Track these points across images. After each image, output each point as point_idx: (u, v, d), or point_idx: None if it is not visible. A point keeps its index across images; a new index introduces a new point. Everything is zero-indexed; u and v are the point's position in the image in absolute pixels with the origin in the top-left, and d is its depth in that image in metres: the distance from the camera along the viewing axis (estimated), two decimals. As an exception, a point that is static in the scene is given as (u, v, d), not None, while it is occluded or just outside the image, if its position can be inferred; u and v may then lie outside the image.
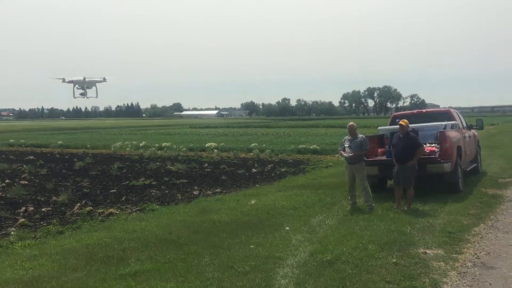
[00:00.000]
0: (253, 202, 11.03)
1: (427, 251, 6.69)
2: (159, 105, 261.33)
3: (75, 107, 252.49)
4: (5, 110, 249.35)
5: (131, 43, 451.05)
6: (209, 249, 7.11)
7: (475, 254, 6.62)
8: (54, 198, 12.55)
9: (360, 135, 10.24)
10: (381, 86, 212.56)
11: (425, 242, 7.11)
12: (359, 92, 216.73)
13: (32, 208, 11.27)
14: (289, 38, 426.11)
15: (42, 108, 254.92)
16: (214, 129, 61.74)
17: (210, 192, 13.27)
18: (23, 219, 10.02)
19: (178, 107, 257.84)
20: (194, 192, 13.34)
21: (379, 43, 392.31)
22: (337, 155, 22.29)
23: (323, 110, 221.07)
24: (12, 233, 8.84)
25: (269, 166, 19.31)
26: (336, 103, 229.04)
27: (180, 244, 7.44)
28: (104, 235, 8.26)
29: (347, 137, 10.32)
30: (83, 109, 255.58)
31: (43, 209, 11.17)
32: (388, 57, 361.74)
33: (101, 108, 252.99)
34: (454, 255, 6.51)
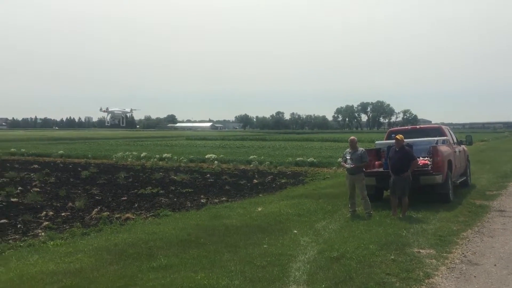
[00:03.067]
0: (260, 209, 11.91)
1: (420, 250, 7.64)
2: (153, 116, 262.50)
3: (68, 117, 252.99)
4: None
5: (124, 53, 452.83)
6: (227, 248, 7.97)
7: (463, 253, 7.58)
8: (70, 204, 13.34)
9: (360, 149, 11.22)
10: (374, 101, 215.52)
11: (419, 244, 8.06)
12: (352, 106, 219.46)
13: (52, 213, 12.05)
14: (283, 50, 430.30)
15: (35, 118, 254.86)
16: (210, 141, 62.62)
17: (217, 200, 14.11)
18: (47, 222, 10.81)
19: (172, 118, 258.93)
20: (202, 200, 14.17)
21: (373, 58, 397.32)
22: (334, 167, 23.28)
23: (317, 124, 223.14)
24: (41, 234, 9.64)
25: (269, 177, 20.19)
26: (329, 117, 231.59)
27: (200, 244, 8.29)
28: (128, 236, 9.08)
29: (348, 149, 11.28)
30: (76, 119, 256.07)
31: (63, 214, 11.95)
32: (381, 72, 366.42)
33: (95, 119, 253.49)
34: (444, 254, 7.47)
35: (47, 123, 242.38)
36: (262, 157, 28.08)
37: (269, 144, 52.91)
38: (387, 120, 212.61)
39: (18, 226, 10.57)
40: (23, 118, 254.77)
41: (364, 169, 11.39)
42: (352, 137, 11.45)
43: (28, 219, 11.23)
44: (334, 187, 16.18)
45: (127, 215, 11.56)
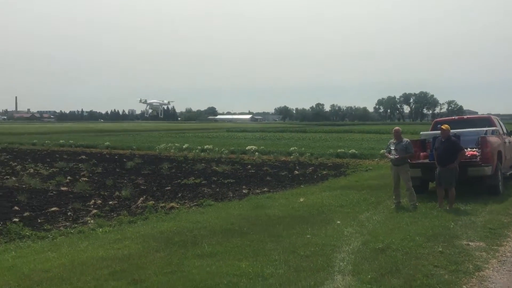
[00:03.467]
0: (301, 200, 11.88)
1: (469, 243, 7.42)
2: (194, 108, 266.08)
3: (113, 110, 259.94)
4: (46, 112, 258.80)
5: (165, 46, 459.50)
6: (270, 237, 8.00)
7: (514, 247, 7.29)
8: (117, 193, 13.73)
9: (405, 139, 10.99)
10: (417, 92, 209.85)
11: (468, 236, 7.83)
12: (394, 98, 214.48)
13: (100, 201, 12.45)
14: (325, 44, 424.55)
15: (82, 111, 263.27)
16: (250, 133, 62.89)
17: (258, 191, 14.18)
18: (95, 210, 11.18)
19: (212, 111, 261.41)
20: (244, 191, 14.28)
21: (416, 49, 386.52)
22: (376, 159, 22.91)
23: (357, 116, 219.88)
24: (90, 221, 9.99)
25: (310, 168, 20.10)
26: (370, 108, 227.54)
27: (243, 233, 8.37)
28: (173, 224, 9.27)
29: (392, 140, 11.07)
30: (120, 112, 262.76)
31: (110, 203, 12.33)
32: (424, 63, 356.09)
33: (138, 111, 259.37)
34: (495, 247, 7.23)
35: (93, 116, 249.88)
36: (303, 148, 27.96)
37: (309, 136, 52.66)
38: (430, 112, 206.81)
39: (68, 213, 10.99)
40: (70, 111, 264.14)
41: (409, 160, 11.15)
42: (396, 128, 11.22)
43: (77, 207, 11.65)
44: (377, 178, 15.93)
45: (172, 204, 11.80)
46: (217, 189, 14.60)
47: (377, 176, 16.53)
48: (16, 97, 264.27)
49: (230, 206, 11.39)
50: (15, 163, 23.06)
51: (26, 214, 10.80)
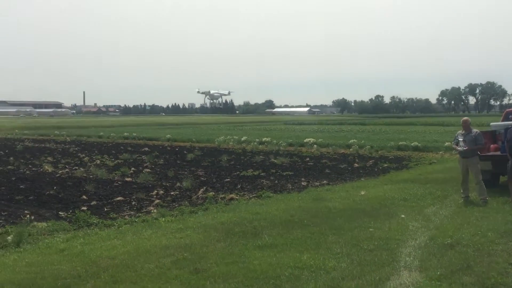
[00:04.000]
0: (363, 193, 11.58)
1: (548, 240, 6.88)
2: (252, 102, 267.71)
3: (173, 104, 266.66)
4: (112, 106, 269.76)
5: (225, 43, 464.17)
6: (331, 230, 7.84)
7: None
8: (178, 184, 14.03)
9: (474, 130, 10.41)
10: (483, 82, 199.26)
11: (546, 233, 7.27)
12: (459, 88, 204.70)
13: (162, 192, 12.75)
14: (383, 33, 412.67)
15: (144, 105, 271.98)
16: (308, 126, 62.40)
17: (317, 184, 13.99)
18: (158, 200, 11.47)
19: (270, 104, 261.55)
20: (303, 183, 14.13)
21: (481, 38, 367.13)
22: (440, 152, 21.97)
23: (419, 108, 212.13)
24: (153, 211, 10.25)
25: (370, 161, 19.60)
26: (433, 100, 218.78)
27: (304, 225, 8.26)
28: (233, 215, 9.32)
29: (460, 131, 10.52)
30: (180, 106, 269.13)
31: (172, 193, 12.60)
32: (491, 52, 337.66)
33: (197, 105, 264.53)
34: None
35: (154, 110, 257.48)
36: (362, 141, 27.34)
37: (369, 128, 51.42)
38: (498, 103, 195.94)
39: (133, 203, 11.33)
40: (133, 105, 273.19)
41: (479, 153, 10.55)
42: (465, 118, 10.65)
43: (141, 197, 12.00)
44: (442, 172, 15.26)
45: (231, 195, 11.88)
46: (276, 181, 14.55)
47: (443, 170, 15.83)
48: (84, 92, 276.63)
49: (290, 198, 11.30)
50: (83, 155, 24.17)
51: (93, 203, 11.26)
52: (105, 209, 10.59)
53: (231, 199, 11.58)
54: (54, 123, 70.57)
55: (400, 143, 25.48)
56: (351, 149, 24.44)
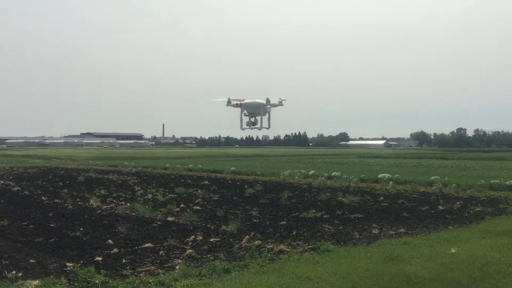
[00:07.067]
0: (453, 250, 8.78)
1: None
2: (326, 134, 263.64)
3: (247, 136, 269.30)
4: (189, 138, 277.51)
5: (295, 71, 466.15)
6: (410, 318, 5.27)
7: None
8: (223, 227, 11.95)
9: None
10: None
11: None
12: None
13: (201, 238, 10.72)
14: (462, 60, 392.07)
15: (219, 137, 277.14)
16: (383, 160, 58.40)
17: (392, 232, 11.33)
18: (190, 250, 9.46)
19: (344, 136, 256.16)
20: (373, 231, 11.53)
21: None
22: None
23: (506, 141, 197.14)
24: (178, 266, 8.17)
25: (458, 203, 16.47)
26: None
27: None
28: (273, 280, 7.04)
29: None
30: (254, 138, 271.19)
31: (211, 240, 10.54)
32: None
33: (271, 137, 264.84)
34: None
35: (229, 141, 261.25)
36: (446, 178, 24.02)
37: (452, 163, 46.80)
38: None
39: (160, 252, 9.37)
40: (209, 137, 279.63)
41: None
42: None
43: (173, 243, 10.07)
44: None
45: (281, 246, 9.57)
46: (340, 227, 12.07)
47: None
48: (163, 125, 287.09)
49: (355, 254, 8.78)
50: (139, 187, 22.99)
51: (114, 250, 9.47)
52: (123, 261, 8.73)
53: (280, 251, 9.30)
54: (128, 154, 72.21)
55: (492, 181, 22.12)
56: (433, 187, 21.44)
